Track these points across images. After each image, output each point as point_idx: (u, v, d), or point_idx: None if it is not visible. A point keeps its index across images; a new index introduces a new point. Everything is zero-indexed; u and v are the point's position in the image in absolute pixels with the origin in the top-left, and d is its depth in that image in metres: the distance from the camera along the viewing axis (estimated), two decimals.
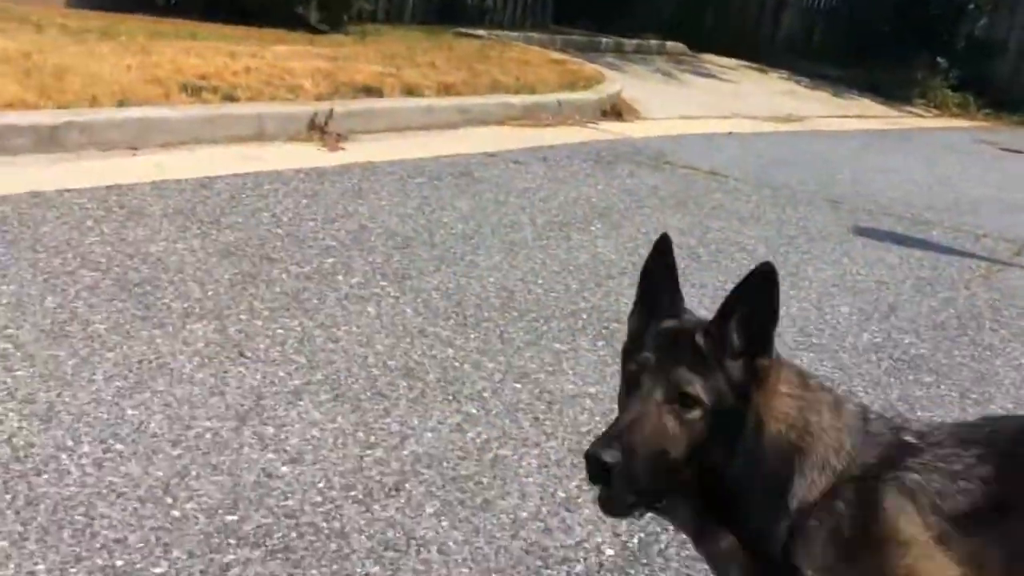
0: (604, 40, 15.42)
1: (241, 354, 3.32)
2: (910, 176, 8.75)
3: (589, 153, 7.30)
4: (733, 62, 16.93)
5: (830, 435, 1.67)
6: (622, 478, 1.55)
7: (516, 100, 8.36)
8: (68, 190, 4.61)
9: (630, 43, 15.92)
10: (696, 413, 1.59)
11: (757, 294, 1.63)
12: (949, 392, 3.83)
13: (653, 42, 16.60)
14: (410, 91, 7.79)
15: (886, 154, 10.26)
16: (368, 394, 3.19)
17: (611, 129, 8.56)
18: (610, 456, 1.54)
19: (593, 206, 5.76)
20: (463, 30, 12.73)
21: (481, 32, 12.84)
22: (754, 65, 17.17)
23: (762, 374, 1.64)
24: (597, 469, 1.55)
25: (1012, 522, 1.58)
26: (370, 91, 7.48)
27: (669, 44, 16.80)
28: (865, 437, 1.67)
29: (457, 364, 3.50)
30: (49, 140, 5.29)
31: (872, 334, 4.30)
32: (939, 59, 18.05)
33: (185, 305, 3.62)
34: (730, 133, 9.63)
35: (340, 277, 4.13)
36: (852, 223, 6.30)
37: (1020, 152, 12.67)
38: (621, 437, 1.57)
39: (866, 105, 15.56)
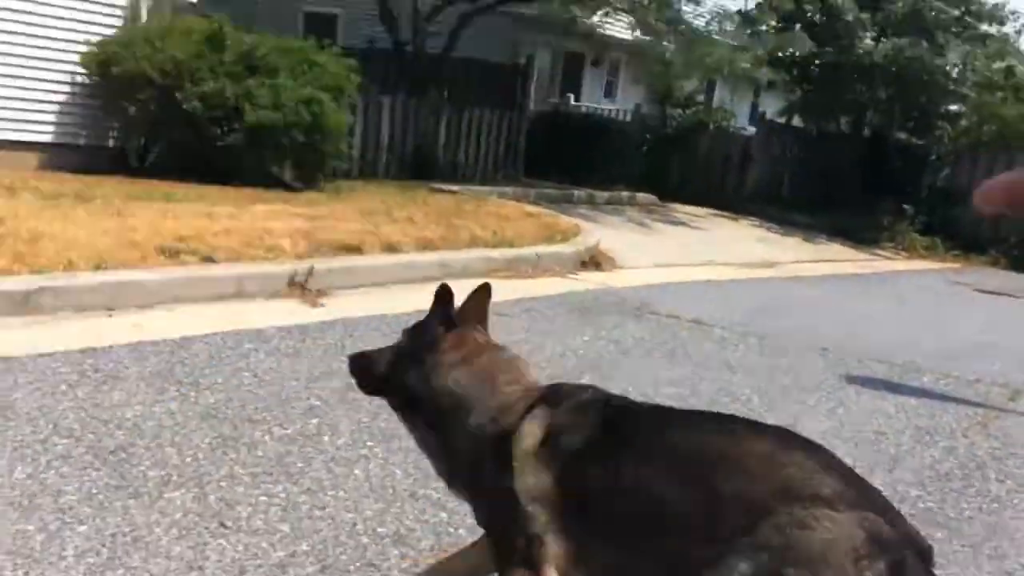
0: (576, 192, 15.67)
1: (222, 524, 3.12)
2: (894, 321, 8.74)
3: (572, 304, 7.23)
4: (703, 211, 17.21)
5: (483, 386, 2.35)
6: (355, 377, 2.60)
7: (496, 253, 8.34)
8: (42, 354, 4.45)
9: (602, 195, 16.19)
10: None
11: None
12: (962, 548, 3.66)
13: (624, 193, 16.90)
14: (389, 247, 7.75)
15: (866, 299, 10.28)
16: (357, 564, 2.99)
17: (592, 279, 8.53)
18: (351, 364, 2.63)
19: (581, 358, 5.64)
20: (437, 186, 12.88)
21: (455, 187, 12.99)
22: (724, 213, 17.45)
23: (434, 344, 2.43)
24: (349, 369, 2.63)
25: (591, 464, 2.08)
26: (349, 249, 7.43)
27: (640, 195, 17.10)
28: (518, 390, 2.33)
29: (452, 529, 3.31)
30: (23, 304, 5.16)
31: (879, 487, 4.14)
32: (905, 206, 18.43)
33: (162, 473, 3.44)
34: (708, 281, 9.64)
35: (326, 438, 3.95)
36: (843, 371, 6.20)
37: (995, 293, 12.76)
38: (358, 360, 2.61)
39: (837, 250, 15.75)
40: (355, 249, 7.48)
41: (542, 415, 2.20)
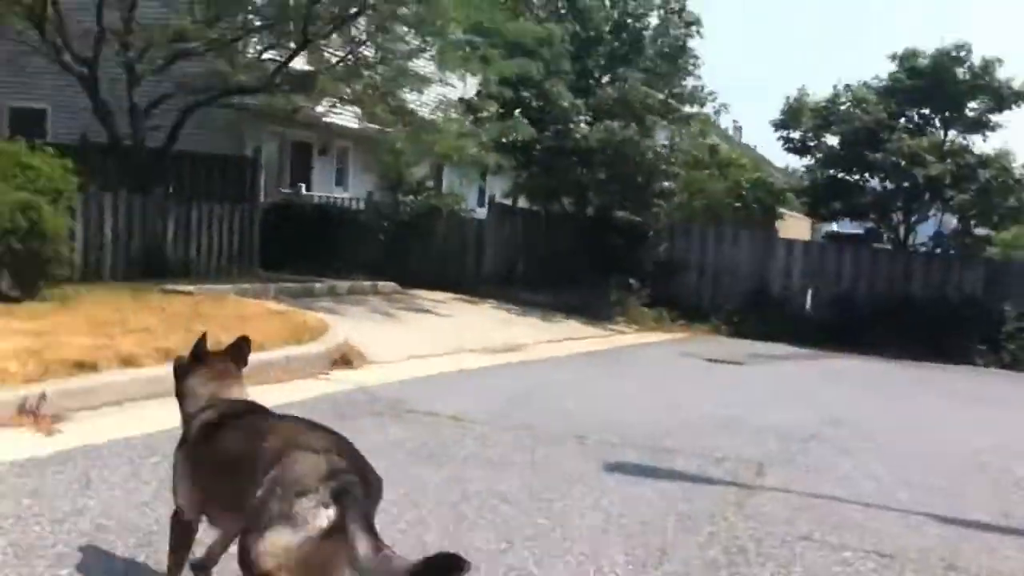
0: (317, 285, 15.44)
1: None
2: (639, 400, 9.06)
3: (329, 408, 7.05)
4: (444, 295, 17.39)
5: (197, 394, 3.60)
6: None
7: None
8: None
9: (343, 285, 16.06)
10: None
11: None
12: None
13: (366, 283, 16.85)
14: (127, 361, 7.31)
15: (610, 378, 10.64)
16: None
17: (345, 379, 8.39)
18: (175, 362, 3.84)
19: None
20: (170, 287, 12.32)
21: (190, 288, 12.47)
22: (464, 297, 17.71)
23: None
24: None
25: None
26: (84, 366, 6.94)
27: (380, 283, 17.10)
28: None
29: None
30: None
31: None
32: (631, 280, 19.37)
33: None
34: (461, 371, 9.69)
35: None
36: (602, 459, 6.33)
37: (723, 362, 13.55)
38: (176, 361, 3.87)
39: (575, 327, 16.29)
40: (90, 366, 6.99)
41: (207, 414, 3.45)
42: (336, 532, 2.62)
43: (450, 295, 17.58)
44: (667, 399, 9.36)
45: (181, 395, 3.67)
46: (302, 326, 9.95)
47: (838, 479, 6.55)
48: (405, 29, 16.66)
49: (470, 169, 20.77)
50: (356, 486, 2.75)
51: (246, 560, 2.76)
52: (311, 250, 18.47)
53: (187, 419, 3.56)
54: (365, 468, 2.88)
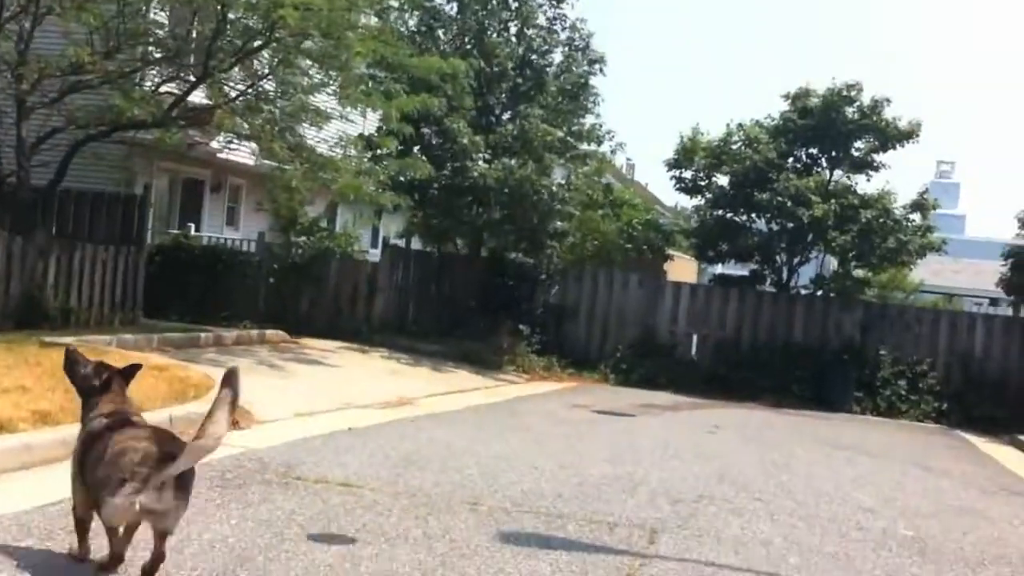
0: (203, 335, 15.10)
1: None
2: (531, 459, 8.99)
3: (214, 476, 6.85)
4: (334, 344, 17.17)
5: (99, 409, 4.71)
6: (66, 361, 5.05)
7: None
8: None
9: (230, 335, 15.75)
10: None
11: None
12: None
13: (253, 332, 16.55)
14: (1, 427, 7.00)
15: (501, 435, 10.57)
16: None
17: (230, 441, 8.12)
18: (66, 353, 5.10)
19: (232, 548, 5.28)
20: (49, 339, 11.85)
21: (70, 339, 11.99)
22: (354, 346, 17.52)
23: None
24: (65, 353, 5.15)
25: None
26: None
27: (269, 332, 16.81)
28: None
29: None
30: None
31: None
32: (521, 326, 19.40)
33: None
34: (350, 429, 9.54)
35: None
36: (495, 528, 6.26)
37: (613, 414, 13.64)
38: (71, 355, 5.09)
39: (465, 377, 16.24)
40: None
41: (95, 423, 4.61)
42: (144, 497, 4.19)
43: (340, 344, 17.38)
44: (559, 457, 9.33)
45: (84, 399, 4.80)
46: (186, 382, 9.69)
47: (730, 544, 6.61)
48: (309, 63, 16.44)
49: (366, 208, 20.56)
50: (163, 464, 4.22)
51: (102, 519, 4.36)
52: (199, 294, 18.11)
53: (83, 423, 4.70)
54: (175, 449, 4.32)
